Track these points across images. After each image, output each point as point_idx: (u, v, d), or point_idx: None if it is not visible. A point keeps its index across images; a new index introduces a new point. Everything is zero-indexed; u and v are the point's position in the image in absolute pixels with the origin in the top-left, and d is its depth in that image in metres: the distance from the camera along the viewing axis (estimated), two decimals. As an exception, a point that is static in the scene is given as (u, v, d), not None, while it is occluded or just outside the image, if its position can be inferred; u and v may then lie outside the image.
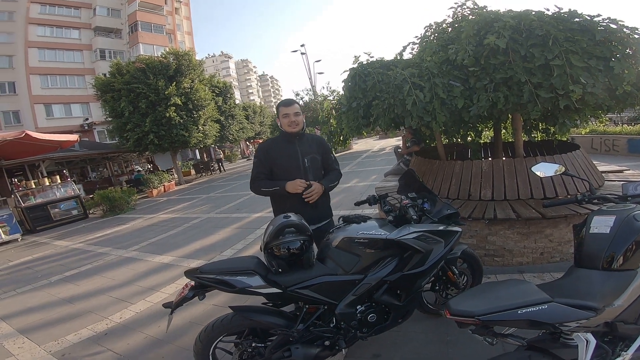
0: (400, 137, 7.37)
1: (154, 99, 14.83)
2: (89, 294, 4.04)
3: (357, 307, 1.96)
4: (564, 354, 1.30)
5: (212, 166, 20.78)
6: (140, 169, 20.57)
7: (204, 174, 20.36)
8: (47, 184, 10.88)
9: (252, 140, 36.02)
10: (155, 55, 18.21)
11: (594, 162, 4.07)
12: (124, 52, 27.97)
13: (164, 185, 15.11)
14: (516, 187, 3.29)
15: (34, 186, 10.55)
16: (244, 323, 1.92)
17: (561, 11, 2.76)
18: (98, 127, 24.30)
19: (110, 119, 16.20)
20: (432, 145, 5.35)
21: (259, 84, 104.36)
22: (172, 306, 1.83)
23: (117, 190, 11.35)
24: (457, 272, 2.32)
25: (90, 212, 11.35)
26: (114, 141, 17.68)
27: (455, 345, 2.18)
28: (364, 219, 2.06)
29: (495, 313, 1.17)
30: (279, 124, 2.33)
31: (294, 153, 2.27)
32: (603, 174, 3.70)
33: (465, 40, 2.96)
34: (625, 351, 1.39)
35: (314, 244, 1.99)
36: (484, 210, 3.09)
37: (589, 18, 2.64)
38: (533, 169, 2.02)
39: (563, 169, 1.93)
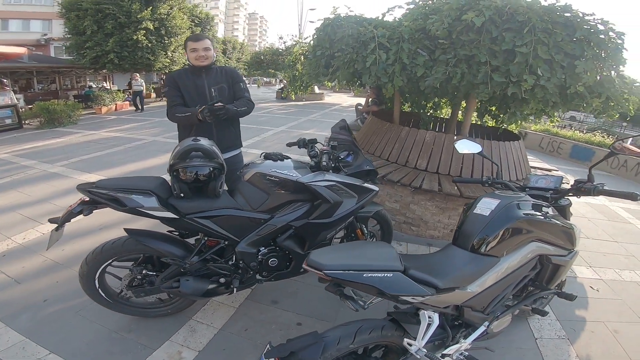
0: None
1: (123, 21, 13.97)
2: (-4, 209, 3.72)
3: (260, 249, 1.92)
4: (412, 330, 1.31)
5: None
6: (93, 85, 19.01)
7: (164, 98, 19.79)
8: (-20, 89, 9.67)
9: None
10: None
11: (532, 158, 4.25)
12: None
13: (115, 104, 14.20)
14: (449, 162, 3.37)
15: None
16: (137, 248, 1.83)
17: (556, 4, 2.72)
18: (56, 42, 23.12)
19: (69, 36, 15.18)
20: (392, 109, 5.32)
21: (247, 21, 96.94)
22: (59, 221, 1.68)
23: (60, 103, 10.39)
24: (366, 231, 2.33)
25: (26, 122, 10.33)
26: (71, 57, 16.48)
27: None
28: (282, 157, 1.97)
29: (341, 271, 1.13)
30: (186, 58, 2.28)
31: (201, 85, 2.28)
32: (532, 169, 3.88)
33: (446, 12, 2.88)
34: (465, 339, 1.43)
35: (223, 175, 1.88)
36: (413, 178, 3.14)
37: (581, 15, 2.62)
38: (455, 144, 2.03)
39: (479, 148, 1.96)
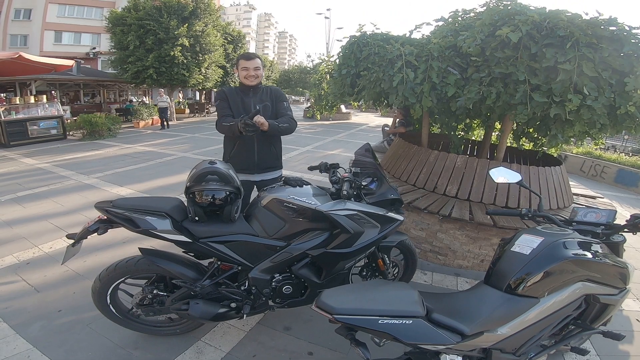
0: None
1: (162, 37, 14.91)
2: (31, 218, 3.91)
3: (274, 276, 1.86)
4: None
5: (207, 108, 21.18)
6: (133, 99, 20.30)
7: (197, 114, 20.85)
8: (32, 101, 10.56)
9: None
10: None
11: (573, 183, 3.90)
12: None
13: (152, 119, 14.97)
14: (482, 189, 3.13)
15: (17, 102, 10.22)
16: (149, 268, 1.82)
17: (599, 17, 2.50)
18: (103, 56, 24.91)
19: (114, 50, 16.35)
20: (420, 130, 5.14)
21: (277, 39, 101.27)
22: (75, 237, 1.71)
23: (102, 115, 11.14)
24: (388, 261, 2.19)
25: (70, 133, 11.11)
26: (115, 71, 17.74)
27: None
28: (301, 183, 1.90)
29: (354, 316, 1.04)
30: (237, 75, 2.32)
31: (248, 102, 2.31)
32: (575, 196, 3.55)
33: (478, 28, 2.75)
34: None
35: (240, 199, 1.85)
36: (442, 205, 2.94)
37: (627, 28, 2.39)
38: (491, 172, 1.86)
39: (519, 177, 1.78)
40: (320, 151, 8.66)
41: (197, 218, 1.73)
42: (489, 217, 2.70)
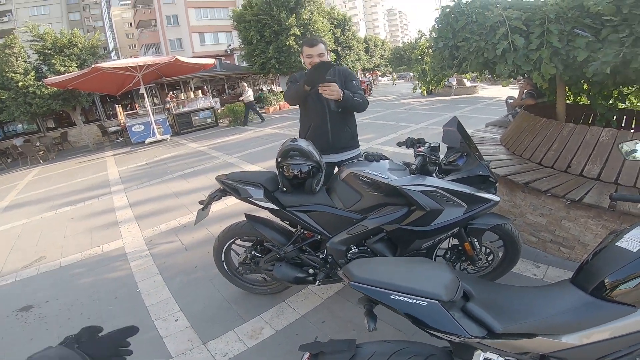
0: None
1: (277, 29, 16.24)
2: (191, 190, 5.19)
3: (351, 248, 1.95)
4: None
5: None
6: (264, 88, 22.81)
7: None
8: (193, 96, 13.57)
9: (371, 72, 34.80)
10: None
11: None
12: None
13: (279, 104, 16.90)
14: (637, 171, 2.46)
15: (182, 98, 13.30)
16: (250, 232, 2.15)
17: None
18: (237, 52, 27.76)
19: (242, 46, 18.56)
20: (554, 101, 4.28)
21: (387, 18, 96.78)
22: (204, 203, 2.15)
23: (241, 104, 13.27)
24: (478, 246, 2.02)
25: (220, 121, 13.73)
26: (247, 64, 20.11)
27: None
28: (379, 158, 1.90)
29: (368, 286, 1.03)
30: (302, 62, 2.33)
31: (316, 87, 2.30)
32: None
33: None
34: None
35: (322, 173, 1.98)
36: (573, 188, 2.47)
37: None
38: (621, 145, 1.46)
39: None
40: (435, 128, 8.11)
41: (284, 189, 1.95)
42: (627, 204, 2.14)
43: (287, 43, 16.08)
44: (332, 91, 2.01)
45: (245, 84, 13.95)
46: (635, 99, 3.69)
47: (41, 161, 11.63)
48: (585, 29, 2.43)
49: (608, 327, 0.98)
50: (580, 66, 2.48)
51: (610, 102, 3.58)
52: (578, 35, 2.43)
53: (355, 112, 2.40)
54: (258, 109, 13.17)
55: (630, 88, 3.53)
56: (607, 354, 1.02)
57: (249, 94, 12.54)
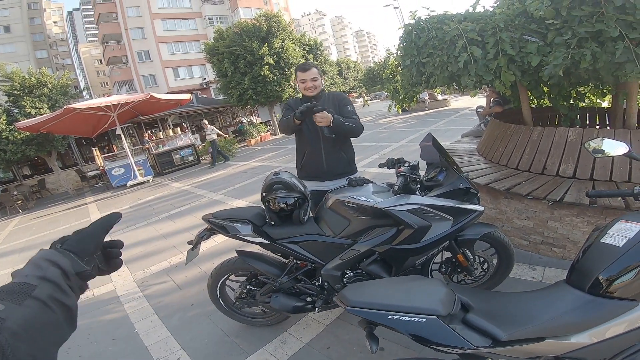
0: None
1: (250, 59, 16.40)
2: (179, 231, 5.08)
3: (346, 272, 1.97)
4: None
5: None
6: (244, 120, 22.98)
7: None
8: (172, 134, 13.47)
9: (347, 94, 35.45)
10: (252, 17, 19.35)
11: None
12: (228, 16, 30.70)
13: (260, 136, 16.98)
14: (610, 165, 2.59)
15: (161, 137, 13.19)
16: (243, 266, 2.15)
17: None
18: (213, 85, 27.90)
19: (217, 78, 18.58)
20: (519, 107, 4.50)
21: (356, 39, 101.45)
22: (192, 243, 2.14)
23: (221, 140, 13.16)
24: (471, 256, 2.05)
25: (202, 158, 13.59)
26: (224, 97, 20.19)
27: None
28: (362, 182, 1.95)
29: (364, 309, 1.03)
30: (296, 87, 2.38)
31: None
32: None
33: None
34: None
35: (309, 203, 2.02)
36: (552, 189, 2.57)
37: None
38: (587, 143, 1.53)
39: (626, 148, 1.41)
40: (414, 144, 8.25)
41: (272, 222, 1.98)
42: (619, 198, 2.24)
43: (262, 73, 16.27)
44: (322, 118, 2.05)
45: (206, 121, 13.04)
46: (593, 96, 3.93)
47: (20, 211, 11.18)
48: (533, 35, 2.60)
49: (615, 323, 0.99)
50: (535, 71, 2.64)
51: (571, 102, 3.79)
52: (528, 42, 2.59)
53: (350, 138, 2.39)
54: (219, 149, 11.84)
55: (586, 87, 3.77)
56: (622, 349, 1.03)
57: (211, 132, 11.55)
